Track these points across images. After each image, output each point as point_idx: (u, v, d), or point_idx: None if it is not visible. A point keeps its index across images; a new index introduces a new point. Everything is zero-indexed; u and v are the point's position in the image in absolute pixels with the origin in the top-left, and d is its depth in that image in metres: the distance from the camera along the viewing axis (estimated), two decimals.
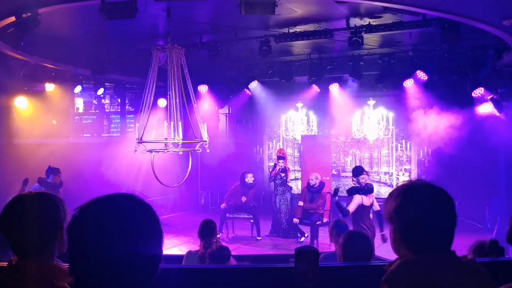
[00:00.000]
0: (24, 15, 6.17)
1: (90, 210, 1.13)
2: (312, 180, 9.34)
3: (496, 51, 8.41)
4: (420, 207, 1.58)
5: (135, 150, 5.90)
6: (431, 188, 1.63)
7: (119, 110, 13.40)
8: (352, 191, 6.68)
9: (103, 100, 13.57)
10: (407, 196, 1.60)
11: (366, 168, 11.17)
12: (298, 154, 12.82)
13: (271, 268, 2.39)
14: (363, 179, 6.74)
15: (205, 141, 6.03)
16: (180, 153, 6.31)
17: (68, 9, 6.44)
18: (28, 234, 1.73)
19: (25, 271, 1.68)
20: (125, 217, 1.12)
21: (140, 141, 5.87)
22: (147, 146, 6.08)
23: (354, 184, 6.79)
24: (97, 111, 13.88)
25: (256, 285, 2.14)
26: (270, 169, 9.99)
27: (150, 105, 6.22)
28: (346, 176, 12.28)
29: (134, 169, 10.34)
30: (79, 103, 13.95)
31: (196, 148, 6.25)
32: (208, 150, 6.15)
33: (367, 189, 6.64)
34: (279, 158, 9.83)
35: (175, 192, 11.71)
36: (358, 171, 6.91)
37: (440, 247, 1.58)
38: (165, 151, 5.96)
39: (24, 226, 1.74)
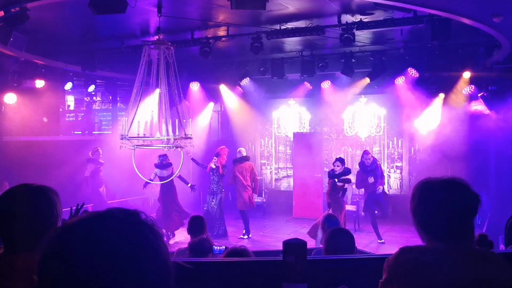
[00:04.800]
0: (12, 10, 6.10)
1: (68, 242, 0.84)
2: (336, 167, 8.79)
3: (486, 48, 8.47)
4: (420, 200, 1.68)
5: (120, 147, 5.86)
6: (441, 182, 1.70)
7: (110, 108, 13.32)
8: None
9: (94, 98, 13.49)
10: (419, 187, 1.72)
11: (358, 166, 11.22)
12: (290, 151, 12.83)
13: (258, 261, 2.38)
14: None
15: (190, 138, 5.97)
16: (165, 149, 6.23)
17: (57, 4, 6.38)
18: (19, 227, 1.71)
19: (14, 265, 1.66)
20: (114, 252, 0.82)
21: (126, 137, 5.81)
22: (134, 142, 6.03)
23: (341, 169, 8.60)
24: (84, 108, 13.79)
25: (243, 279, 2.13)
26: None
27: (139, 101, 6.17)
28: None
29: (125, 166, 10.28)
30: (70, 100, 13.84)
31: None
32: (192, 148, 6.10)
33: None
34: (214, 154, 9.65)
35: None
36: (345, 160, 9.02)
37: (451, 237, 1.62)
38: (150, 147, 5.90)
39: (16, 219, 1.72)
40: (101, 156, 9.93)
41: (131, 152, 6.18)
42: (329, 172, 8.72)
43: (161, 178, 9.06)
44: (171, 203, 9.26)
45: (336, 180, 8.44)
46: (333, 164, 8.67)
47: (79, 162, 9.98)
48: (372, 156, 9.33)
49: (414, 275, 1.55)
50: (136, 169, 6.19)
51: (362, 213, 10.86)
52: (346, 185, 8.68)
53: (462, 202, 1.65)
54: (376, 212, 9.10)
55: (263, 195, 12.19)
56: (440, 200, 1.65)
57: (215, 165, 9.46)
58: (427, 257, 1.57)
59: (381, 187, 9.07)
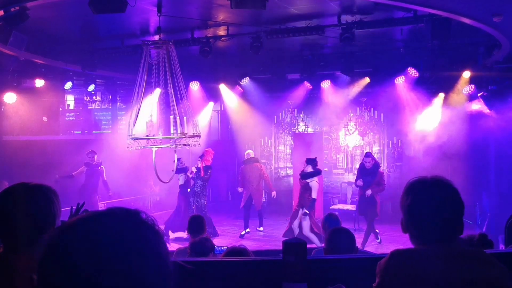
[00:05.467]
0: (12, 9, 6.10)
1: (68, 241, 0.83)
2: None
3: (486, 48, 8.47)
4: (415, 200, 1.65)
5: (127, 147, 5.85)
6: (430, 183, 1.67)
7: (110, 107, 13.31)
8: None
9: (94, 97, 13.48)
10: (407, 189, 1.69)
11: (358, 165, 11.20)
12: (290, 151, 12.83)
13: (258, 260, 2.38)
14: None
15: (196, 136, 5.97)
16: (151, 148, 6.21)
17: (57, 3, 6.38)
18: (18, 226, 1.70)
19: (14, 264, 1.66)
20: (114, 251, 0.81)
21: (133, 137, 5.81)
22: (139, 142, 6.03)
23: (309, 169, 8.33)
24: (81, 108, 13.78)
25: (243, 278, 2.12)
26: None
27: (141, 101, 6.18)
28: (338, 173, 12.31)
29: (125, 166, 10.28)
30: (70, 99, 13.84)
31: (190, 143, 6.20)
32: (198, 146, 6.11)
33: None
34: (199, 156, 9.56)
35: (166, 188, 11.65)
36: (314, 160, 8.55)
37: (444, 237, 1.61)
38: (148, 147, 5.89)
39: (14, 218, 1.72)
40: (94, 158, 9.61)
41: (131, 152, 6.18)
42: (300, 173, 8.51)
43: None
44: (186, 204, 9.50)
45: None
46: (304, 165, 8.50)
47: (79, 161, 9.97)
48: (373, 160, 8.81)
49: (407, 278, 1.53)
50: (158, 171, 6.21)
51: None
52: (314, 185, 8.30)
53: (456, 201, 1.65)
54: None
55: (263, 195, 12.18)
56: (436, 201, 1.62)
57: (195, 167, 9.43)
58: (420, 260, 1.56)
59: (369, 191, 8.48)
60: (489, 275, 1.53)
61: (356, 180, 8.96)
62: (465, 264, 1.54)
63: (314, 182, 8.18)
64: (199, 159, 9.57)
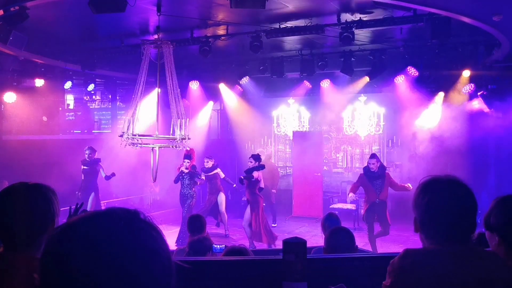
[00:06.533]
0: (12, 9, 6.10)
1: (67, 240, 0.84)
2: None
3: (486, 47, 8.47)
4: (432, 199, 1.64)
5: (121, 144, 5.87)
6: (446, 182, 1.67)
7: (110, 107, 13.32)
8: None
9: (94, 96, 13.49)
10: (422, 188, 1.68)
11: (358, 164, 11.22)
12: (290, 150, 12.83)
13: (258, 260, 2.38)
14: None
15: (185, 138, 5.98)
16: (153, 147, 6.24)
17: (57, 3, 6.38)
18: (16, 225, 1.71)
19: (13, 263, 1.66)
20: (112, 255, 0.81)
21: (129, 135, 5.82)
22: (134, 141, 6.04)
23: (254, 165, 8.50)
24: (81, 107, 13.78)
25: (243, 278, 2.13)
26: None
27: (139, 100, 6.19)
28: (337, 172, 12.31)
29: (124, 165, 10.28)
30: (70, 99, 13.84)
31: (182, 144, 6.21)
32: (188, 148, 6.12)
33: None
34: (185, 157, 9.08)
35: (165, 188, 11.67)
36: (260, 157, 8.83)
37: (458, 238, 1.61)
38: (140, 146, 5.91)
39: (12, 217, 1.73)
40: (93, 155, 9.45)
41: (131, 151, 6.20)
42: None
43: (206, 177, 9.64)
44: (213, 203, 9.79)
45: (242, 177, 8.53)
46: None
47: (79, 161, 9.96)
48: (378, 161, 8.11)
49: (421, 277, 1.53)
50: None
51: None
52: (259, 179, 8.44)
53: (472, 201, 1.64)
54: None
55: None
56: (453, 200, 1.62)
57: (186, 168, 9.16)
58: (434, 259, 1.55)
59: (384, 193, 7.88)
60: (503, 275, 1.54)
61: (356, 187, 8.13)
62: (478, 263, 1.55)
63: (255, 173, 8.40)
64: (188, 161, 9.25)
